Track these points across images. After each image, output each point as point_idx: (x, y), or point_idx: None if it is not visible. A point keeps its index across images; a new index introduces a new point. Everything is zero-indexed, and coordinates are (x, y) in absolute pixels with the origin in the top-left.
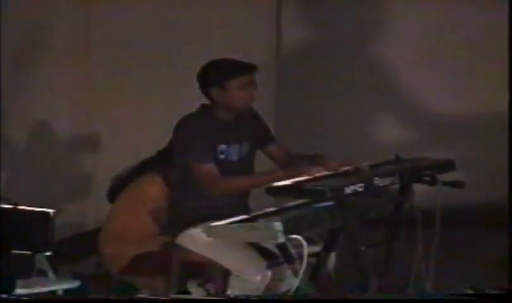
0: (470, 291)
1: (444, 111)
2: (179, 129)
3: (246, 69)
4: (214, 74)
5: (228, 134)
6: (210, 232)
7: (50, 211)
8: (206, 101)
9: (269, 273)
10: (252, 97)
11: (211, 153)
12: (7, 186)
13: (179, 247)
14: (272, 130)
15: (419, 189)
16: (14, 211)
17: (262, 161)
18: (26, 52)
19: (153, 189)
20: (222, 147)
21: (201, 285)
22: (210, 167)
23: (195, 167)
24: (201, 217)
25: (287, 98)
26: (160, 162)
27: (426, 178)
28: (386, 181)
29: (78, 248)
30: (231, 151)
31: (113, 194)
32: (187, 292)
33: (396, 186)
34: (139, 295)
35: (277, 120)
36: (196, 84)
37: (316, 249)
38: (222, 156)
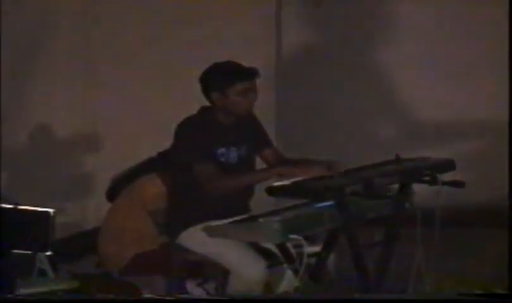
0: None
1: (444, 111)
2: (179, 131)
3: (247, 74)
4: (215, 79)
5: (227, 137)
6: (210, 232)
7: (50, 210)
8: (206, 102)
9: (269, 273)
10: (252, 103)
11: (211, 154)
12: (7, 186)
13: (179, 247)
14: (272, 131)
15: (419, 189)
16: (14, 211)
17: (263, 163)
18: (27, 52)
19: (152, 189)
20: (222, 150)
21: (200, 285)
22: (210, 167)
23: (195, 167)
24: (201, 217)
25: (287, 99)
26: (160, 163)
27: (426, 178)
28: (386, 181)
29: (77, 247)
30: (230, 154)
31: (112, 194)
32: (187, 292)
33: (396, 186)
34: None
35: (277, 121)
36: (196, 85)
37: (317, 248)
38: (221, 159)
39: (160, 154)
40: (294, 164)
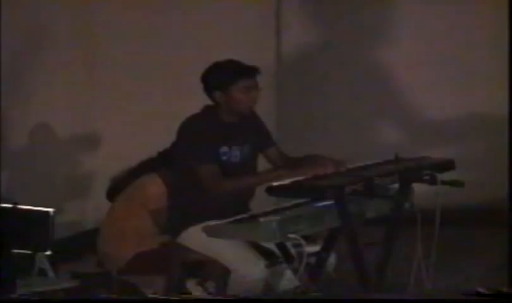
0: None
1: (444, 111)
2: (182, 130)
3: (249, 72)
4: (217, 78)
5: (230, 136)
6: (210, 231)
7: (50, 210)
8: (206, 102)
9: (268, 272)
10: (254, 100)
11: (213, 153)
12: (7, 186)
13: (179, 246)
14: (272, 130)
15: (419, 188)
16: (14, 210)
17: (265, 163)
18: (26, 52)
19: (153, 189)
20: (224, 149)
21: (200, 284)
22: (212, 167)
23: (197, 168)
24: (201, 217)
25: (287, 99)
26: (160, 163)
27: (426, 178)
28: (386, 181)
29: (77, 247)
30: (233, 153)
31: (112, 194)
32: (186, 291)
33: (396, 186)
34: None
35: (277, 121)
36: (195, 85)
37: (316, 248)
38: (224, 158)
39: (160, 154)
40: (297, 163)
